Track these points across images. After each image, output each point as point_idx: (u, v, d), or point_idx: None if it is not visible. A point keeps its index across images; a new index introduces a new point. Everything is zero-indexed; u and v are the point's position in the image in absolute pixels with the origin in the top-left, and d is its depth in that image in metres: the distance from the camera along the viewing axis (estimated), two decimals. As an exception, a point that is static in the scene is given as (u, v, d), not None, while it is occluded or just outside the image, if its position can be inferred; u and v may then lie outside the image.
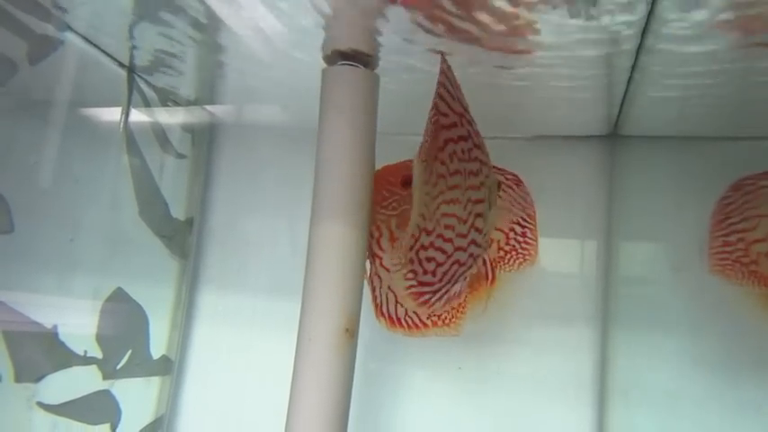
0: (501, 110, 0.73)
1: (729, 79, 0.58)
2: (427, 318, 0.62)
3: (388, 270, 0.61)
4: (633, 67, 0.58)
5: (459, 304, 0.62)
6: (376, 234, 0.62)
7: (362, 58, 0.59)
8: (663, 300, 0.74)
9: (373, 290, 0.62)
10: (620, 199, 0.77)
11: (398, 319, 0.62)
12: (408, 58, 0.60)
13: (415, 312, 0.62)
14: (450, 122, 0.54)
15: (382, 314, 0.62)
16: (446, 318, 0.63)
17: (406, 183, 0.60)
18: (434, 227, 0.55)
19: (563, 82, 0.62)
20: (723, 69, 0.56)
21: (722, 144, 0.74)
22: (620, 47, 0.53)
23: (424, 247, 0.56)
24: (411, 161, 0.59)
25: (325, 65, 0.61)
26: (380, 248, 0.61)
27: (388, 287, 0.62)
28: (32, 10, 0.61)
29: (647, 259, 0.77)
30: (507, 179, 0.66)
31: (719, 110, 0.67)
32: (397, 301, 0.62)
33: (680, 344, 0.72)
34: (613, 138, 0.78)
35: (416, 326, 0.62)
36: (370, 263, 0.62)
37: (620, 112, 0.70)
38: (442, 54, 0.54)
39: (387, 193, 0.61)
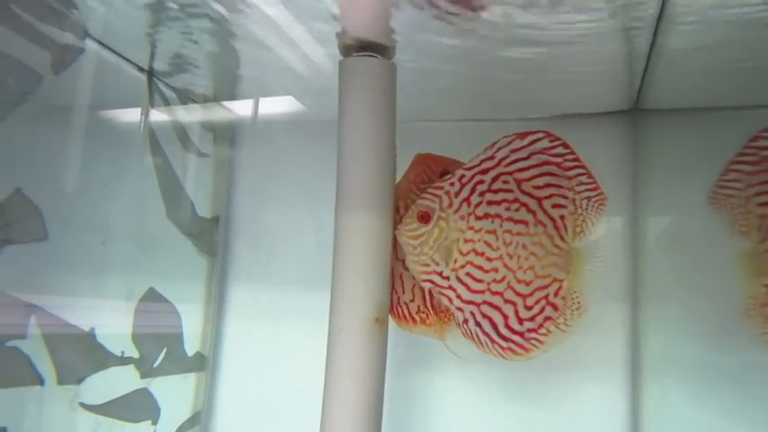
0: (521, 91, 0.73)
1: (752, 47, 0.57)
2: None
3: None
4: (653, 40, 0.57)
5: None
6: (401, 209, 0.62)
7: (378, 49, 0.59)
8: (693, 273, 0.73)
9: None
10: (644, 173, 0.76)
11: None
12: (426, 47, 0.60)
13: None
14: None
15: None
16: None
17: (444, 174, 0.62)
18: None
19: (583, 59, 0.62)
20: (745, 37, 0.54)
21: (746, 113, 0.72)
22: (639, 20, 0.52)
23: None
24: (455, 160, 0.63)
25: (341, 56, 0.61)
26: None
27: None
28: (53, 21, 0.62)
29: (675, 233, 0.76)
30: None
31: (743, 78, 0.65)
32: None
33: (713, 317, 0.71)
34: (635, 112, 0.77)
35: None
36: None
37: (641, 86, 0.69)
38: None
39: (425, 175, 0.63)
